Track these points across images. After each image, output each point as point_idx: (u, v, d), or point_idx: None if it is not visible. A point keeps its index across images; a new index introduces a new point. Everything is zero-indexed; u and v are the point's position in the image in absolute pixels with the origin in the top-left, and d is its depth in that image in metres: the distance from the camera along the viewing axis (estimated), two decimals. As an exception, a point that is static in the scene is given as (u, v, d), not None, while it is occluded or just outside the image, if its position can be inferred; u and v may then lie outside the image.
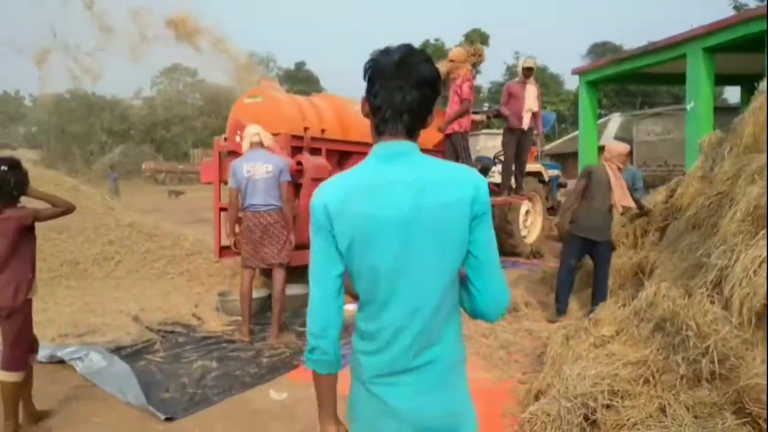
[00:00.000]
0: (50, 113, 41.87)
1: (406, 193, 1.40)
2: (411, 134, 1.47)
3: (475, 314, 1.53)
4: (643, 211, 6.07)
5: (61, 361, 4.51)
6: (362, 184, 1.44)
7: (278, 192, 5.18)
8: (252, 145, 5.35)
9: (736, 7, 27.60)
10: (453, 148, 7.81)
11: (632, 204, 5.68)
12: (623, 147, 5.79)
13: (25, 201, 3.46)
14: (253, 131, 5.41)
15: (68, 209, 3.53)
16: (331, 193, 1.45)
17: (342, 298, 1.51)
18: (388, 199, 1.40)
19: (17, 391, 3.33)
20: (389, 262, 1.41)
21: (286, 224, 5.26)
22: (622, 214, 5.65)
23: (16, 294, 3.27)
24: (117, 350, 4.73)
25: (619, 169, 5.62)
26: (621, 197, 5.50)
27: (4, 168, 3.27)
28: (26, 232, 3.36)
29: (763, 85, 5.03)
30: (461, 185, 1.42)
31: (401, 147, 1.45)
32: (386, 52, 1.47)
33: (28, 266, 3.40)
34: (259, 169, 5.14)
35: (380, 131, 1.47)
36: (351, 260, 1.45)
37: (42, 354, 4.58)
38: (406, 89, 1.42)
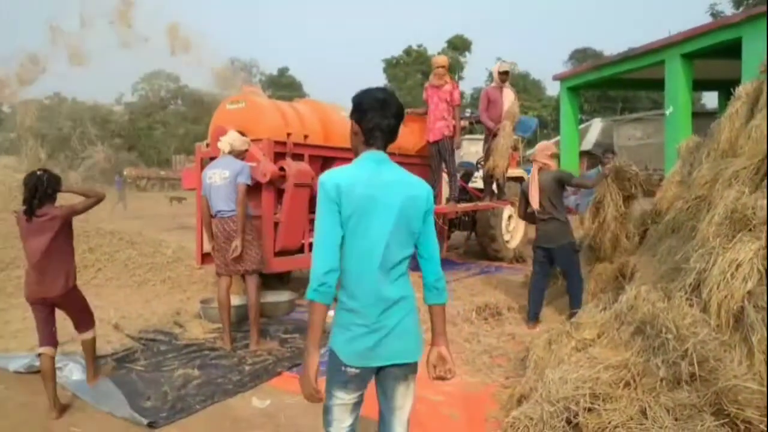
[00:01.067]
0: (29, 119, 41.28)
1: (393, 186, 2.12)
2: (386, 148, 2.19)
3: (424, 272, 2.25)
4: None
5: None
6: (364, 176, 2.09)
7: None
8: (222, 153, 5.38)
9: (713, 14, 28.10)
10: (439, 153, 7.85)
11: (536, 206, 5.53)
12: (544, 144, 5.92)
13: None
14: (223, 139, 5.44)
15: (100, 198, 4.09)
16: (343, 177, 2.07)
17: (339, 253, 2.06)
18: (382, 188, 2.09)
19: (95, 345, 4.13)
20: (377, 229, 2.07)
21: (247, 229, 5.14)
22: (538, 213, 5.54)
23: (67, 281, 3.84)
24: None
25: (545, 165, 5.60)
26: (534, 201, 5.54)
27: (39, 172, 3.81)
28: (67, 228, 3.90)
29: (739, 90, 5.13)
30: (420, 187, 2.19)
31: (382, 156, 2.17)
32: (370, 91, 2.19)
33: (71, 256, 3.99)
34: (218, 176, 5.15)
35: (369, 144, 2.17)
36: (347, 227, 2.06)
37: (20, 364, 4.54)
38: (390, 118, 2.15)
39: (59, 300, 3.82)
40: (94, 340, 4.13)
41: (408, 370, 2.20)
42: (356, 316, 2.09)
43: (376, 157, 2.14)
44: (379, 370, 2.18)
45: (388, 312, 2.10)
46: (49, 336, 3.87)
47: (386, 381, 2.20)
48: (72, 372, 4.30)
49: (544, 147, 5.75)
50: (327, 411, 2.18)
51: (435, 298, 2.25)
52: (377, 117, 2.13)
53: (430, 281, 2.24)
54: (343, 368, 2.10)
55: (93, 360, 4.13)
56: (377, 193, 2.06)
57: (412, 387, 2.24)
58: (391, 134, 2.17)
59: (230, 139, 5.41)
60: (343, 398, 2.14)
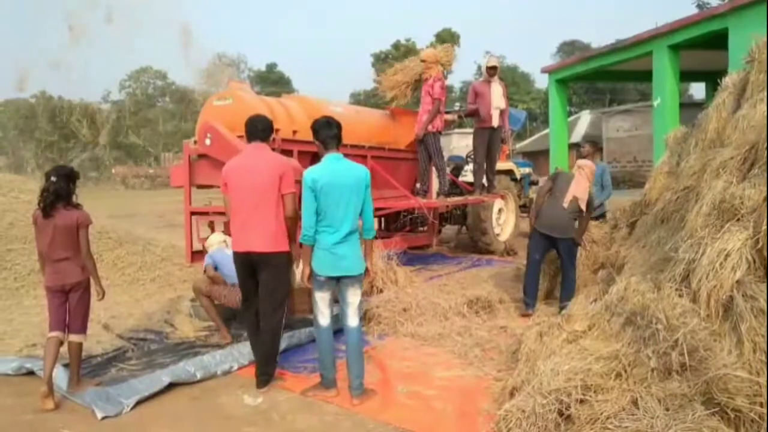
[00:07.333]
0: (16, 118, 40.86)
1: (345, 174, 3.79)
2: (337, 149, 3.92)
3: (363, 223, 3.91)
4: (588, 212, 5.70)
5: (30, 373, 4.41)
6: (326, 169, 3.78)
7: None
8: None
9: (699, 6, 28.22)
10: (425, 148, 7.83)
11: (582, 195, 5.52)
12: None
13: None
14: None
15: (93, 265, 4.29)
16: (316, 172, 3.76)
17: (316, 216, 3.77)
18: (339, 175, 3.76)
19: (81, 351, 4.24)
20: (335, 200, 3.72)
21: None
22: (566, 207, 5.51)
23: (82, 271, 4.17)
24: (87, 359, 4.62)
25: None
26: (575, 191, 5.54)
27: (55, 170, 4.14)
28: (76, 232, 4.18)
29: (725, 80, 5.14)
30: (362, 171, 3.87)
31: (339, 155, 3.89)
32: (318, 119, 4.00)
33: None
34: None
35: (327, 149, 3.92)
36: (319, 199, 3.70)
37: (10, 366, 4.50)
38: (334, 129, 3.96)
39: (76, 287, 4.13)
40: (81, 346, 4.20)
41: (353, 279, 3.85)
42: (323, 248, 3.74)
43: (334, 156, 3.86)
44: (338, 280, 3.83)
45: (338, 245, 3.74)
46: (60, 322, 4.11)
47: (343, 286, 3.86)
48: (63, 372, 4.26)
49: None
50: (314, 304, 3.90)
51: (365, 236, 3.97)
52: (326, 132, 3.87)
53: (365, 228, 3.95)
54: (318, 278, 3.82)
55: (78, 365, 4.17)
56: (335, 179, 3.72)
57: (358, 290, 3.90)
58: (338, 140, 3.89)
59: None
60: (321, 295, 3.87)
